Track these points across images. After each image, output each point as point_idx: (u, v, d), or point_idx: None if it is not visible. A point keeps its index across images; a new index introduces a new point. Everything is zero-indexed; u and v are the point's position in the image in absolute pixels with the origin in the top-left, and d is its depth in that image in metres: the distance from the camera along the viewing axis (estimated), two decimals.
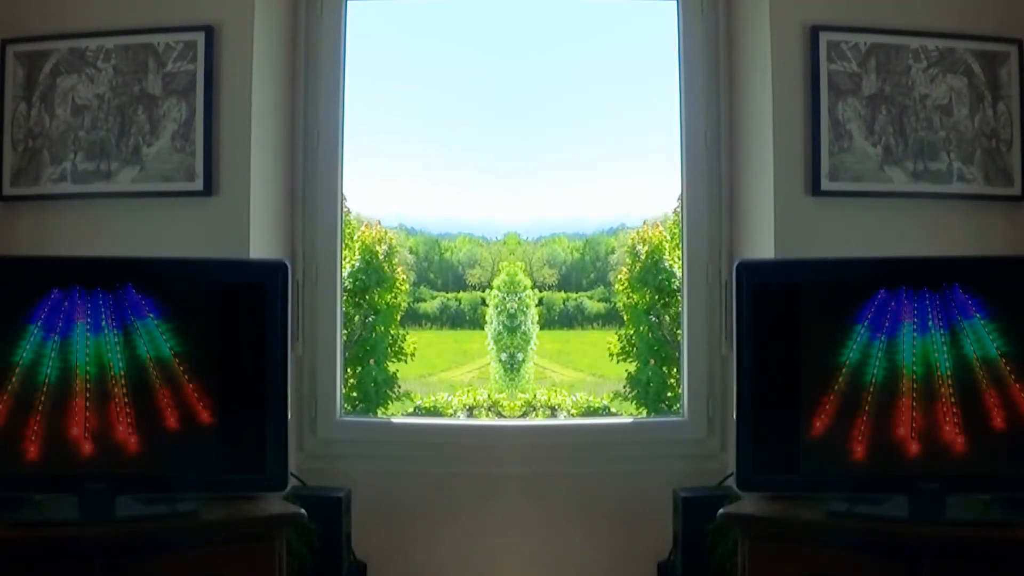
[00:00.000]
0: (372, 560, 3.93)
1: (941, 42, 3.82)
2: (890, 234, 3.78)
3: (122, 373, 3.11)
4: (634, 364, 4.50)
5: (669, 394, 4.44)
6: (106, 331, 3.12)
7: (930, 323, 3.14)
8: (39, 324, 3.10)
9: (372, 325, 4.45)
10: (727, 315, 4.03)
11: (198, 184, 3.72)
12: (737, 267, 3.25)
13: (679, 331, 4.30)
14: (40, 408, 3.08)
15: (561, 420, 4.42)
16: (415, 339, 4.52)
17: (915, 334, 3.14)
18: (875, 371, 3.14)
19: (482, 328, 4.50)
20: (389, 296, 4.47)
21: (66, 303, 3.12)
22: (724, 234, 4.13)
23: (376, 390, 4.44)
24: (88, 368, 3.11)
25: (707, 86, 4.14)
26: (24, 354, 3.09)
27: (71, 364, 3.10)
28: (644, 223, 4.53)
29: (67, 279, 3.13)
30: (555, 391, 4.50)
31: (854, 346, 3.15)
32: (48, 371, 3.09)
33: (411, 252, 4.59)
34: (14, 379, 3.08)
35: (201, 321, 3.16)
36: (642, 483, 4.06)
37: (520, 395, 4.37)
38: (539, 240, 4.51)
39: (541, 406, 4.42)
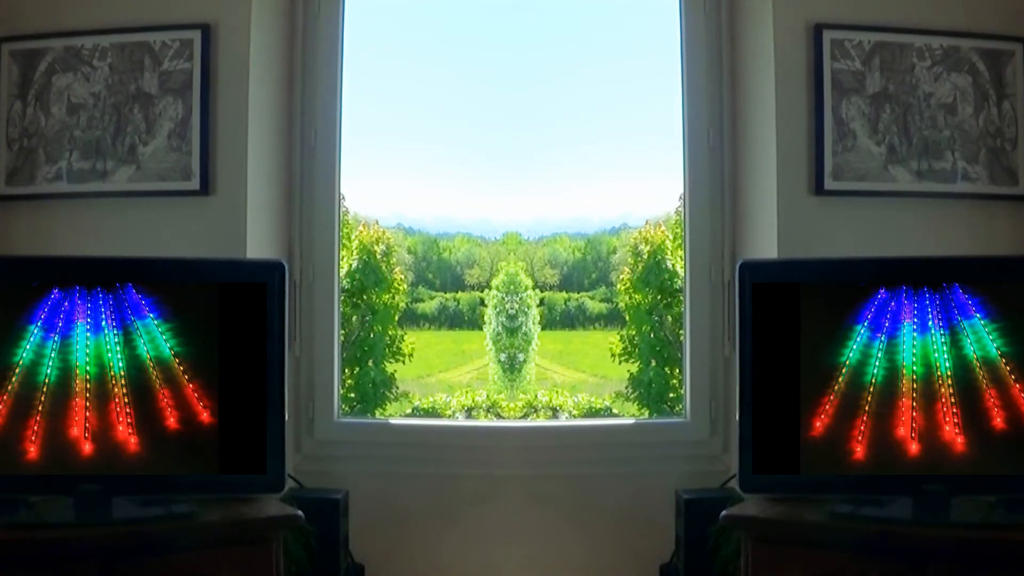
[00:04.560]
0: (370, 562, 3.92)
1: (945, 40, 3.80)
2: (894, 234, 3.77)
3: (121, 373, 3.09)
4: (636, 365, 4.48)
5: (671, 395, 4.42)
6: (106, 331, 3.09)
7: (930, 323, 3.12)
8: (39, 324, 3.07)
9: (370, 325, 4.44)
10: (730, 315, 4.01)
11: (194, 183, 3.71)
12: (739, 267, 3.23)
13: (681, 331, 4.28)
14: (39, 409, 3.06)
15: (562, 421, 4.40)
16: (413, 340, 4.51)
17: (915, 334, 3.12)
18: (877, 370, 3.12)
19: (481, 329, 4.48)
20: (387, 296, 4.45)
21: (66, 303, 3.09)
22: (727, 234, 4.12)
23: (374, 391, 4.43)
24: (88, 368, 3.09)
25: (709, 85, 4.12)
26: (24, 354, 3.06)
27: (71, 364, 3.08)
28: (646, 223, 4.52)
29: (67, 279, 3.11)
30: (557, 392, 4.49)
31: (855, 346, 3.12)
32: (48, 371, 3.07)
33: (409, 252, 4.58)
34: (14, 379, 3.06)
35: (199, 321, 3.14)
36: (644, 485, 4.05)
37: (521, 396, 4.35)
38: (540, 240, 4.49)
39: (542, 407, 4.41)
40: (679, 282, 4.34)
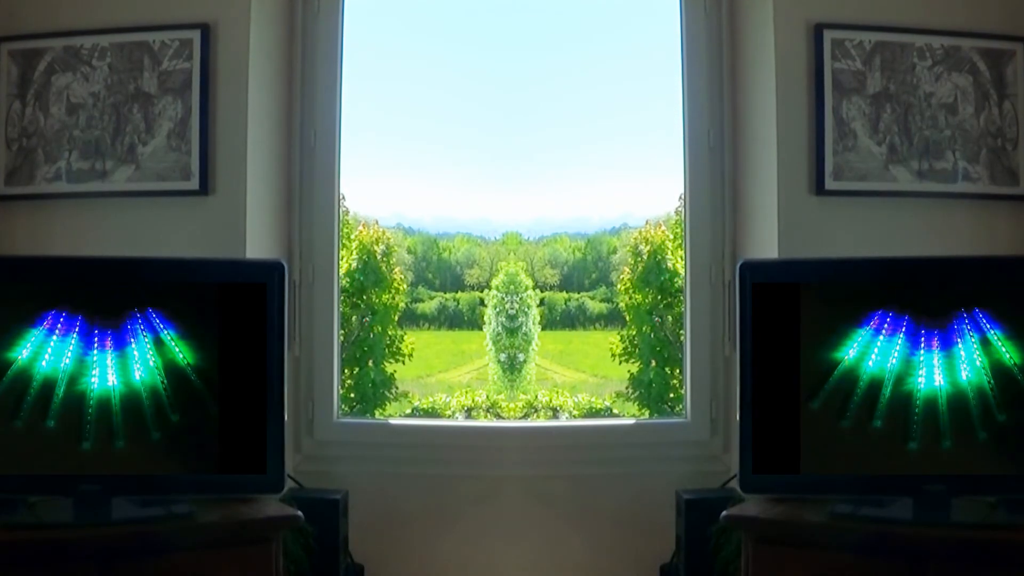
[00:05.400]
0: (369, 563, 3.91)
1: (946, 40, 3.80)
2: (895, 234, 3.77)
3: (120, 373, 3.08)
4: (636, 365, 4.48)
5: (672, 395, 4.41)
6: (105, 331, 3.08)
7: (932, 323, 3.11)
8: (40, 324, 3.06)
9: (369, 326, 4.44)
10: (730, 315, 4.00)
11: (194, 183, 3.71)
12: (740, 267, 3.22)
13: (682, 332, 4.28)
14: (38, 408, 3.05)
15: (562, 421, 4.40)
16: (413, 340, 4.51)
17: (915, 334, 3.11)
18: (877, 371, 3.11)
19: (481, 329, 4.47)
20: (387, 296, 4.45)
21: (67, 303, 3.08)
22: (727, 234, 4.11)
23: (374, 391, 4.42)
24: (87, 368, 3.07)
25: (710, 84, 4.12)
26: (24, 353, 3.05)
27: (71, 363, 3.07)
28: (646, 223, 4.51)
29: (68, 279, 3.11)
30: (557, 392, 4.48)
31: (857, 346, 3.12)
32: (47, 371, 3.05)
33: (409, 252, 4.58)
34: (13, 379, 3.04)
35: (198, 321, 3.13)
36: (644, 485, 4.04)
37: (521, 396, 4.35)
38: (540, 240, 4.49)
39: (543, 407, 4.40)
40: (679, 282, 4.34)
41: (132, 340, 3.09)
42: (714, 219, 4.12)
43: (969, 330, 3.08)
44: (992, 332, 3.07)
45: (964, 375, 3.08)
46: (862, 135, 3.75)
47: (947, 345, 3.09)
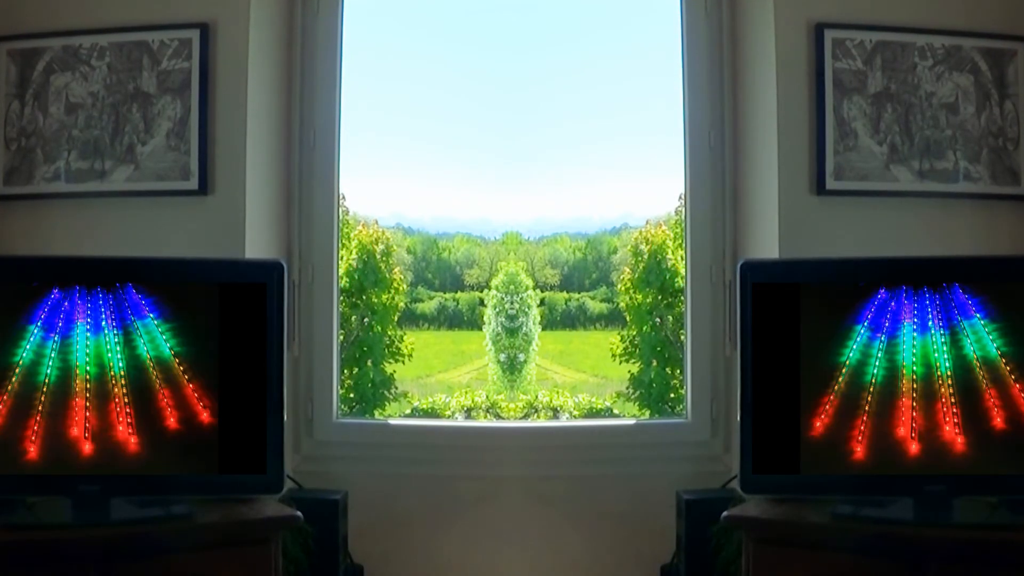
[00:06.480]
0: (369, 563, 3.91)
1: (947, 39, 3.80)
2: (895, 233, 3.76)
3: (121, 373, 3.09)
4: (637, 365, 4.47)
5: (672, 395, 4.40)
6: (106, 331, 3.09)
7: (930, 323, 3.11)
8: (39, 324, 3.07)
9: (369, 326, 4.43)
10: (731, 315, 4.00)
11: (193, 183, 3.70)
12: (740, 267, 3.22)
13: (682, 332, 4.27)
14: (38, 408, 3.06)
15: (562, 422, 4.39)
16: (412, 340, 4.50)
17: (915, 334, 3.11)
18: (876, 371, 3.11)
19: (480, 329, 4.47)
20: (386, 296, 4.45)
21: (66, 303, 3.09)
22: (728, 233, 4.11)
23: (373, 391, 4.42)
24: (87, 368, 3.08)
25: (711, 84, 4.11)
26: (24, 354, 3.06)
27: (71, 364, 3.08)
28: (647, 222, 4.50)
29: (67, 279, 3.10)
30: (557, 392, 4.47)
31: (855, 346, 3.12)
32: (47, 371, 3.06)
33: (408, 252, 4.57)
34: (13, 379, 3.05)
35: (197, 321, 3.14)
36: (645, 485, 4.04)
37: (522, 396, 4.34)
38: (541, 240, 4.49)
39: (543, 407, 4.40)
40: (680, 282, 4.33)
41: (132, 339, 3.08)
42: (714, 219, 4.12)
43: (967, 327, 3.08)
44: (988, 329, 3.08)
45: (964, 369, 3.08)
46: (863, 135, 3.75)
47: (944, 340, 3.09)
